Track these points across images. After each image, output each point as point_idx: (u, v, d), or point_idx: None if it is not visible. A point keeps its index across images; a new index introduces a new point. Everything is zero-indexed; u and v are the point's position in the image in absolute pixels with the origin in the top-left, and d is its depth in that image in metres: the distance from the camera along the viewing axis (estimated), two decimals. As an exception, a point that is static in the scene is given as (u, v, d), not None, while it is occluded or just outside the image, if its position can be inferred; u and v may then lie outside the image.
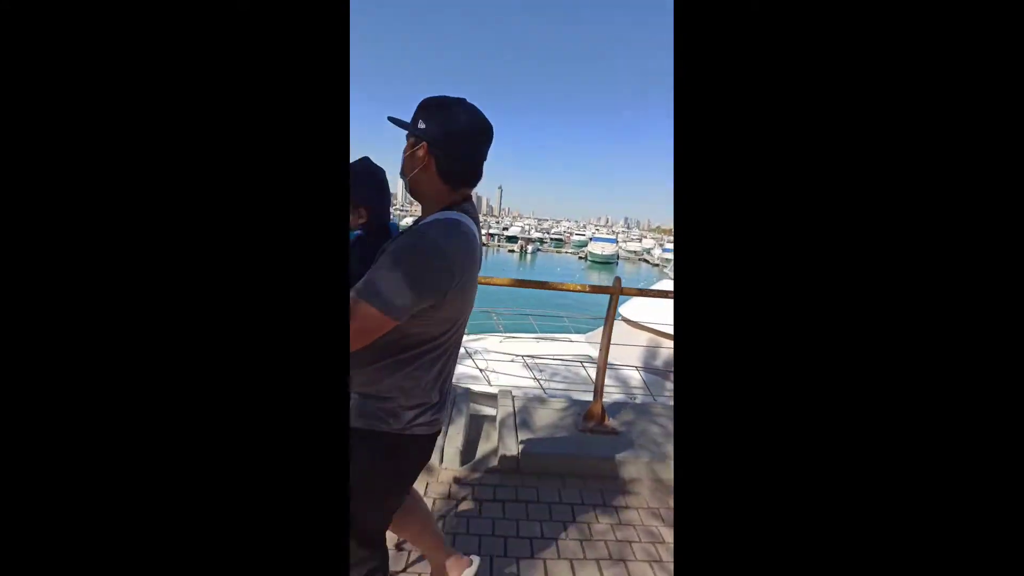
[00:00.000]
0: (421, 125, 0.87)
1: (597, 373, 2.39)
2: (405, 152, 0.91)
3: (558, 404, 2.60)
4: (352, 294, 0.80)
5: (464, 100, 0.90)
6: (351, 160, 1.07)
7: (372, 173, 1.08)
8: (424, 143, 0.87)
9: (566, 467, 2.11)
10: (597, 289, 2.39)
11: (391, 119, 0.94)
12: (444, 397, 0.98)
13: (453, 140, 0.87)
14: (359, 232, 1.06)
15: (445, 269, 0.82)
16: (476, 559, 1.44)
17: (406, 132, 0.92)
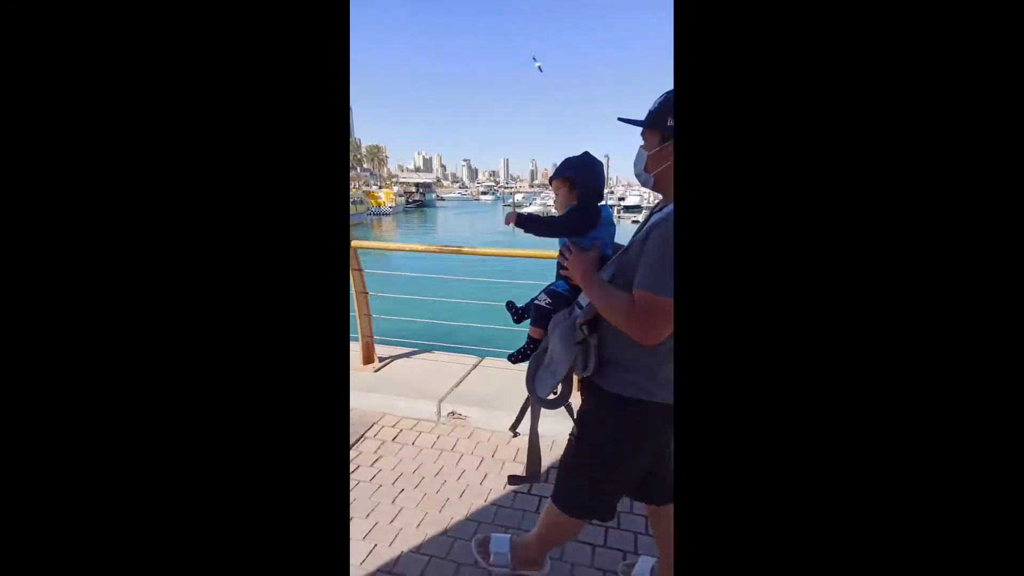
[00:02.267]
0: (670, 123, 0.93)
1: None
2: (650, 150, 0.99)
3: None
4: (637, 290, 0.92)
5: None
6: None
7: (589, 163, 1.22)
8: (672, 140, 0.94)
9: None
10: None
11: (625, 120, 1.02)
12: None
13: None
14: (571, 206, 1.22)
15: None
16: None
17: (641, 130, 1.01)
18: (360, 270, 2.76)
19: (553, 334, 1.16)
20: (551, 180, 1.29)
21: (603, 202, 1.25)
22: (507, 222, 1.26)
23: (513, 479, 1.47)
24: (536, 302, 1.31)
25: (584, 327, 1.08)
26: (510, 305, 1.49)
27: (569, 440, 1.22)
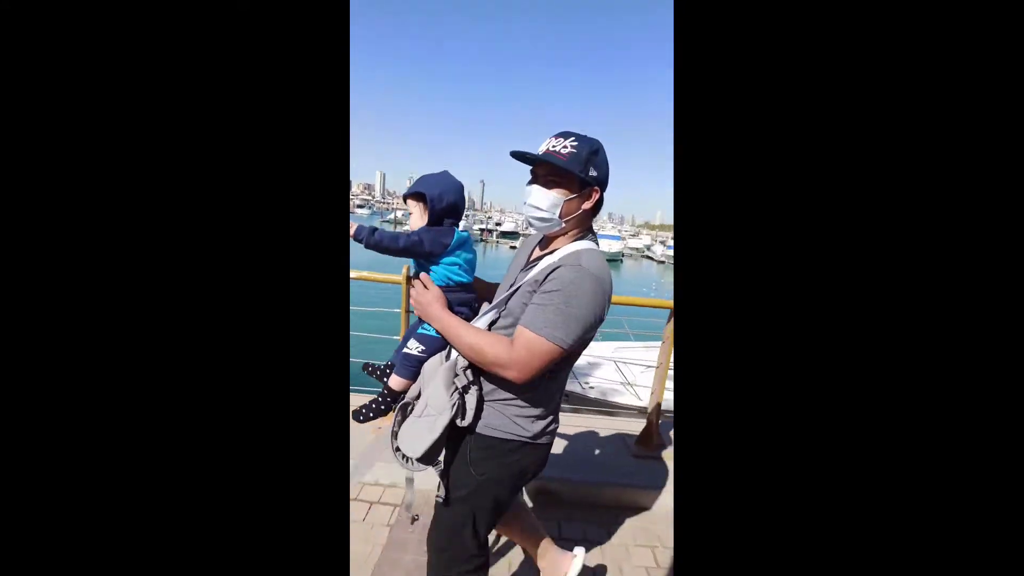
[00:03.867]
0: (593, 173, 0.95)
1: (651, 396, 2.08)
2: (566, 194, 0.95)
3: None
4: (524, 329, 0.89)
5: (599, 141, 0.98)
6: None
7: (446, 179, 1.13)
8: (595, 188, 0.97)
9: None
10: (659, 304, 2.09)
11: (521, 156, 0.98)
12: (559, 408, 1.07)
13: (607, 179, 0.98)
14: (422, 226, 1.12)
15: (606, 296, 0.91)
16: (580, 550, 1.42)
17: (538, 169, 0.97)
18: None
19: (430, 382, 1.04)
20: (404, 197, 1.16)
21: (461, 223, 1.15)
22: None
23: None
24: (405, 351, 1.15)
25: (468, 371, 1.00)
26: (370, 368, 1.30)
27: (438, 502, 1.09)
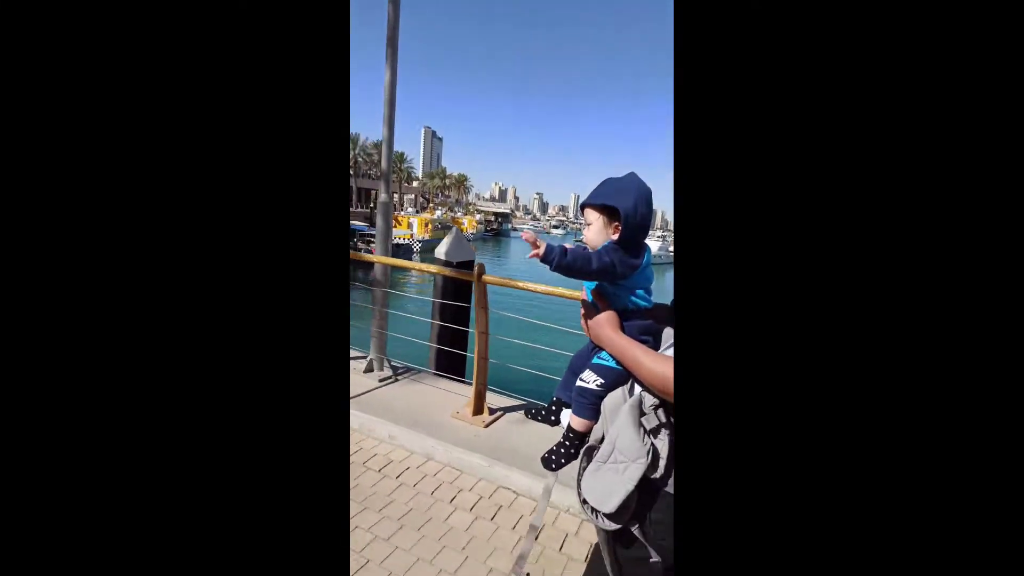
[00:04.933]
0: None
1: None
2: None
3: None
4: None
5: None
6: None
7: (636, 187, 0.95)
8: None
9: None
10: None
11: None
12: None
13: None
14: (610, 243, 0.94)
15: None
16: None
17: None
18: (487, 308, 2.37)
19: (613, 422, 0.86)
20: (582, 207, 0.99)
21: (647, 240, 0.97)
22: (532, 254, 0.91)
23: None
24: (580, 384, 0.98)
25: (660, 411, 0.81)
26: (532, 413, 1.14)
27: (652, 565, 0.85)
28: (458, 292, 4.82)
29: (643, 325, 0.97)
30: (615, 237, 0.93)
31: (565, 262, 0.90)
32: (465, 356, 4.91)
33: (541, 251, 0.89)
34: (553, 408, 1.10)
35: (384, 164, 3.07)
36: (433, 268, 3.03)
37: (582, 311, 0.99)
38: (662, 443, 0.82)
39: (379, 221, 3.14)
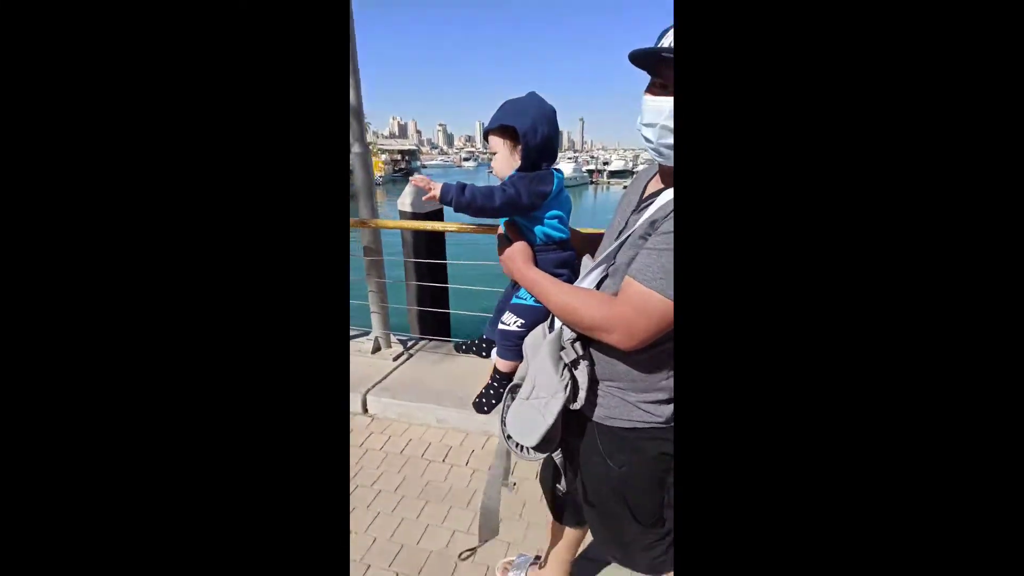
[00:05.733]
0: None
1: None
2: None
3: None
4: (632, 280, 0.72)
5: None
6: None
7: (536, 105, 0.88)
8: None
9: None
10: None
11: (638, 56, 0.72)
12: None
13: None
14: (514, 172, 0.90)
15: None
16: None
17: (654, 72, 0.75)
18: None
19: (534, 359, 0.87)
20: (486, 133, 0.92)
21: (556, 164, 0.93)
22: (427, 197, 0.89)
23: (467, 553, 1.44)
24: (501, 326, 0.97)
25: (577, 344, 0.84)
26: (463, 347, 1.15)
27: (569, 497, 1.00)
28: (431, 247, 4.38)
29: (559, 257, 0.93)
30: (518, 164, 0.88)
31: (464, 200, 0.83)
32: (449, 314, 4.61)
33: (437, 192, 0.83)
34: (483, 344, 1.11)
35: (353, 98, 2.46)
36: (427, 225, 2.62)
37: (498, 246, 0.96)
38: (581, 374, 0.83)
39: (360, 174, 2.60)
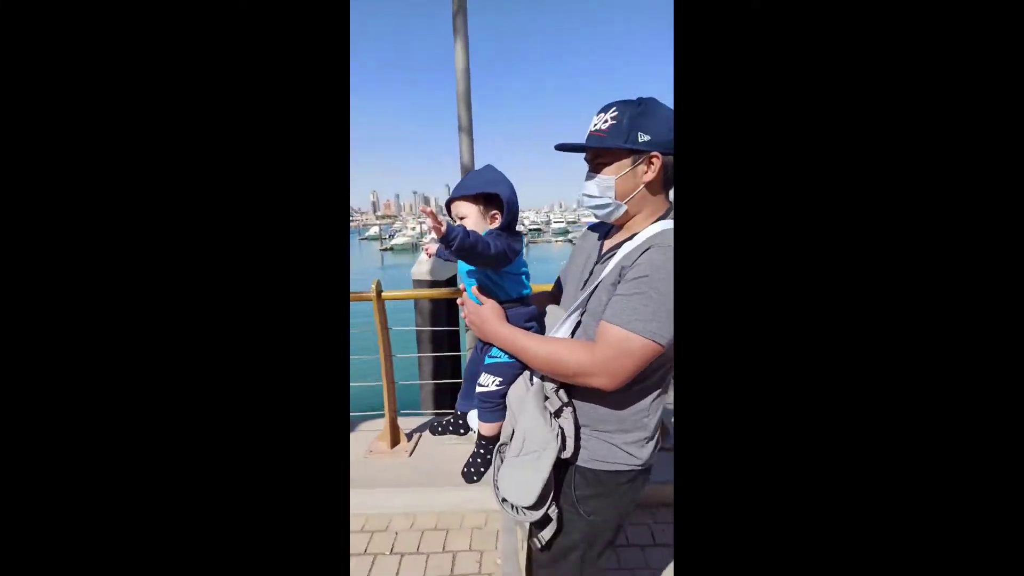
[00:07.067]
0: (644, 137, 0.80)
1: None
2: (618, 173, 0.83)
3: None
4: (608, 325, 0.77)
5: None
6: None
7: (505, 178, 0.96)
8: (653, 154, 0.81)
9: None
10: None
11: (568, 147, 0.87)
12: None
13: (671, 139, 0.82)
14: (493, 230, 0.95)
15: None
16: None
17: (589, 155, 0.86)
18: (387, 328, 2.09)
19: (521, 413, 0.89)
20: (451, 200, 0.97)
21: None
22: (433, 230, 0.87)
23: None
24: (480, 389, 0.98)
25: (561, 392, 0.87)
26: (440, 428, 1.12)
27: (534, 546, 0.96)
28: (449, 315, 4.14)
29: (528, 312, 0.97)
30: (495, 225, 0.94)
31: (468, 243, 0.84)
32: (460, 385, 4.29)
33: (443, 228, 0.84)
34: (459, 421, 1.10)
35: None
36: (441, 292, 2.36)
37: (463, 311, 0.98)
38: (567, 422, 0.86)
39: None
